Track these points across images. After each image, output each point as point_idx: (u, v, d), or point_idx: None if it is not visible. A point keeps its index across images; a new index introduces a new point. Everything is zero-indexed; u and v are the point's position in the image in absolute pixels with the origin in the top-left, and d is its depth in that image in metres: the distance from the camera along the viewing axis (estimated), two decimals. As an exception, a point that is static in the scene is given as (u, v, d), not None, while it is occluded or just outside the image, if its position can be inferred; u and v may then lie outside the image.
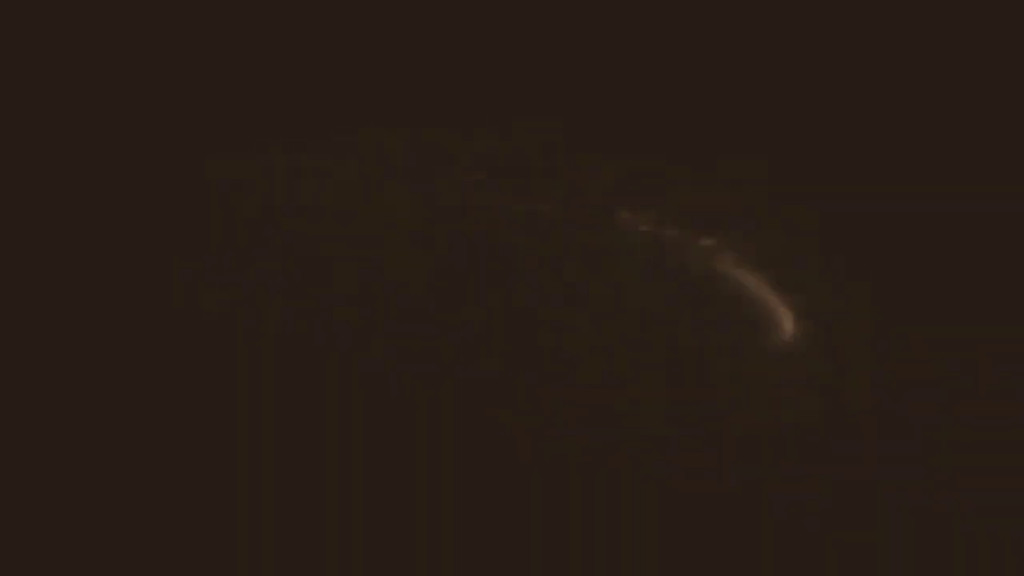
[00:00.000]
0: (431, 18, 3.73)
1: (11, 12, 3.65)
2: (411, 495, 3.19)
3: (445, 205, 3.56)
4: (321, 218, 3.55)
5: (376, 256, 3.49)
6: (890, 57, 3.66)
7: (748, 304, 3.43)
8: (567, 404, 3.30)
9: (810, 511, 3.16)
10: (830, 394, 3.30)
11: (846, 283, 3.46)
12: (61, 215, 3.52)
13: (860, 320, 3.40)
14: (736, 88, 3.65)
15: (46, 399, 3.30)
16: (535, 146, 3.64)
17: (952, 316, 3.40)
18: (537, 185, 3.59)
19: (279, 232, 3.52)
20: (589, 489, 3.18)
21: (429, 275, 3.46)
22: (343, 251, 3.51)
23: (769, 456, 3.22)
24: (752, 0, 3.71)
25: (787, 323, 3.39)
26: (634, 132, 3.65)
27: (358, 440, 3.25)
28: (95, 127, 3.61)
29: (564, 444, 3.24)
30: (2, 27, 3.65)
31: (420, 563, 3.12)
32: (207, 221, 3.52)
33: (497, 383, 3.32)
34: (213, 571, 3.08)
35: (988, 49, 3.65)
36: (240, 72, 3.67)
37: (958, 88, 3.64)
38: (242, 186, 3.57)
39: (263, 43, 3.69)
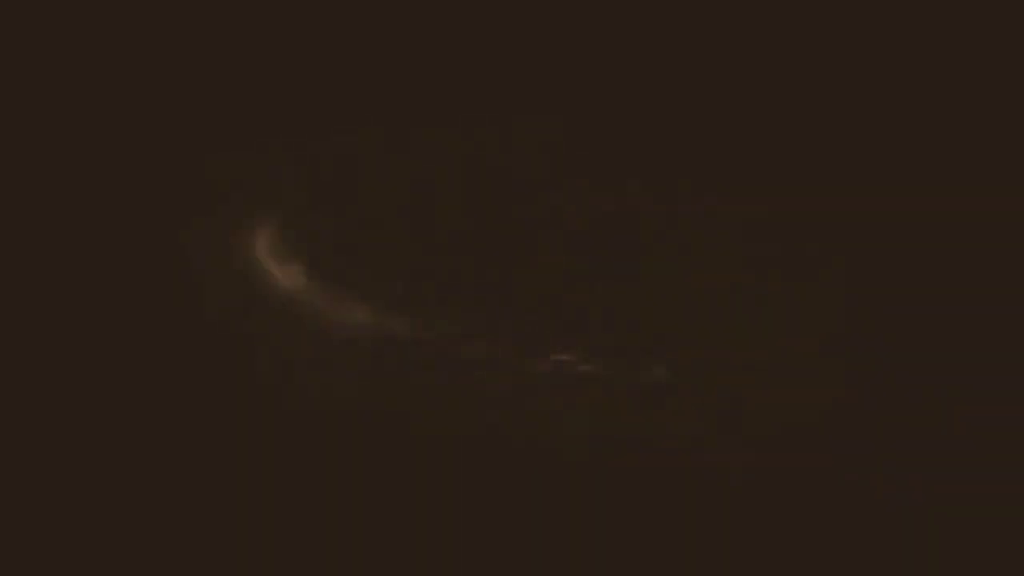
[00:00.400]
0: (431, 19, 3.73)
1: (11, 13, 3.66)
2: (411, 495, 3.19)
3: (446, 204, 3.56)
4: (321, 217, 3.55)
5: (376, 255, 3.50)
6: (890, 61, 3.66)
7: (748, 304, 3.43)
8: (568, 401, 3.30)
9: (811, 510, 3.15)
10: (831, 392, 3.31)
11: (846, 283, 3.46)
12: (61, 215, 3.53)
13: (862, 321, 3.41)
14: (735, 89, 3.65)
15: (46, 398, 3.29)
16: (535, 146, 3.64)
17: (952, 316, 3.40)
18: (537, 184, 3.59)
19: (278, 232, 3.53)
20: (590, 486, 3.18)
21: (429, 273, 3.47)
22: (343, 250, 3.51)
23: (771, 456, 3.22)
24: (752, 1, 3.71)
25: (785, 322, 3.40)
26: (634, 133, 3.66)
27: (358, 439, 3.25)
28: (95, 127, 3.62)
29: (565, 441, 3.24)
30: (2, 28, 3.66)
31: (420, 562, 3.12)
32: (207, 221, 3.52)
33: (497, 379, 3.32)
34: (213, 571, 3.08)
35: (986, 52, 3.65)
36: (240, 72, 3.67)
37: (955, 90, 3.64)
38: (242, 186, 3.58)
39: (264, 44, 3.70)
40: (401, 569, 3.09)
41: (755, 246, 3.53)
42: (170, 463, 3.22)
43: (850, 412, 3.29)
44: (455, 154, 3.62)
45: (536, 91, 3.68)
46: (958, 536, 3.12)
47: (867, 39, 3.71)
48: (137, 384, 3.32)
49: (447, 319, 3.39)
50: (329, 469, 3.21)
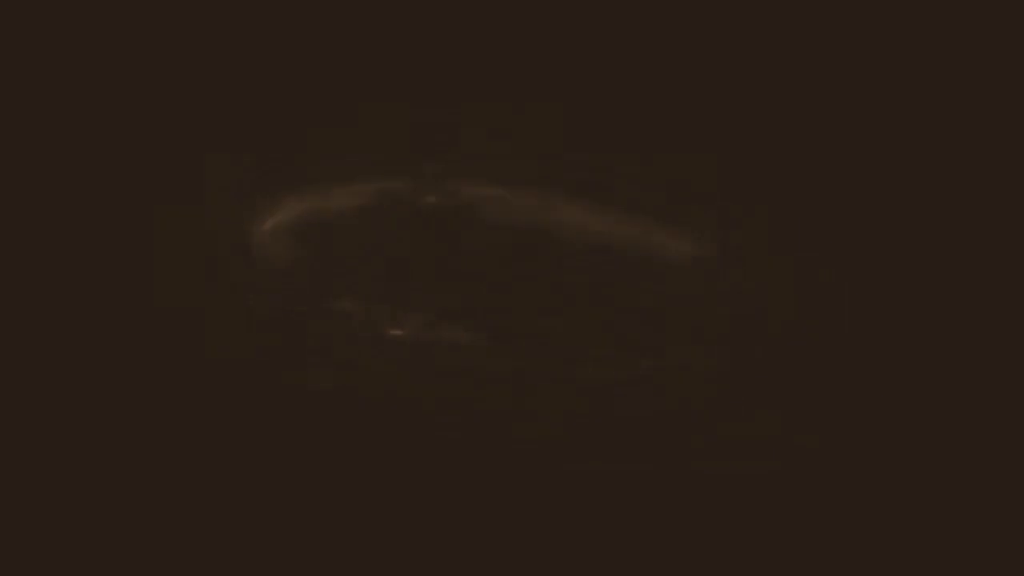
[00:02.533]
0: (431, 18, 3.74)
1: (12, 14, 3.68)
2: (410, 493, 3.21)
3: (445, 203, 3.57)
4: (321, 216, 3.57)
5: (375, 253, 3.51)
6: (884, 64, 3.67)
7: (743, 304, 3.44)
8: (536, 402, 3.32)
9: (804, 510, 3.16)
10: (820, 394, 3.31)
11: (827, 285, 3.46)
12: (61, 215, 3.54)
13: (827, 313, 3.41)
14: (732, 90, 3.66)
15: (46, 398, 3.31)
16: (535, 146, 3.65)
17: (939, 315, 3.41)
18: (535, 183, 3.60)
19: (278, 231, 3.54)
20: (561, 487, 3.20)
21: (428, 271, 3.48)
22: (343, 249, 3.52)
23: (754, 455, 3.23)
24: (750, 3, 3.71)
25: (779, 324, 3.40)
26: (633, 133, 3.66)
27: (359, 437, 3.27)
28: (96, 128, 3.63)
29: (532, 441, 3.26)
30: (3, 29, 3.68)
31: (419, 561, 3.13)
32: (207, 221, 3.54)
33: (486, 368, 3.34)
34: (212, 571, 3.10)
35: (976, 55, 3.65)
36: (240, 74, 3.68)
37: (940, 91, 3.64)
38: (242, 186, 3.59)
39: (263, 45, 3.70)
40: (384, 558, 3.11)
41: (754, 247, 3.53)
42: (162, 453, 3.24)
43: (839, 416, 3.29)
44: (454, 152, 3.63)
45: (536, 91, 3.69)
46: (955, 536, 3.12)
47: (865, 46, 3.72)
48: (130, 382, 3.33)
49: (438, 319, 3.40)
50: (313, 459, 3.23)
